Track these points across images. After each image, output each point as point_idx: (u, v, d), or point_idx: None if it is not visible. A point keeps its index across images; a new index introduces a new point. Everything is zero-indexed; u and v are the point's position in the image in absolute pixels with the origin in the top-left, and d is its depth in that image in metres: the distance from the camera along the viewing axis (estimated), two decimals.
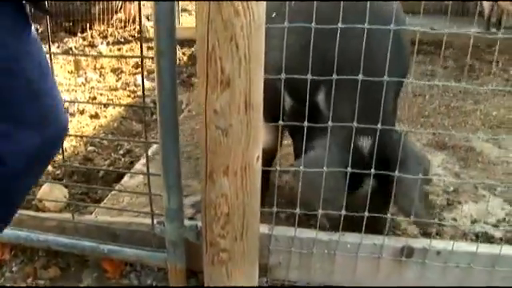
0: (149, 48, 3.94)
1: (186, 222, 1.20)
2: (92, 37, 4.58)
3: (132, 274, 1.34)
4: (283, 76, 1.06)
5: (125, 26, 4.92)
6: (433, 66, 3.97)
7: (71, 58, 3.75)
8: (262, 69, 0.97)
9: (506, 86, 3.56)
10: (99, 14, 4.86)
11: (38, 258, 1.37)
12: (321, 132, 1.21)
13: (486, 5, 5.13)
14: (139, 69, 3.43)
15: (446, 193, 1.91)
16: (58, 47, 4.19)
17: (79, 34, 4.60)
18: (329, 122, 1.12)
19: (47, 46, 1.21)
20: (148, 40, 4.14)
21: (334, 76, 1.10)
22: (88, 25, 4.69)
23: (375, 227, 1.26)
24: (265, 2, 0.92)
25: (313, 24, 1.04)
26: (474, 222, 1.71)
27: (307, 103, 1.11)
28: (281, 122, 1.14)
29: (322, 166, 1.11)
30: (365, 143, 1.19)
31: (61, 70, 3.47)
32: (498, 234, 1.64)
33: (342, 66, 1.12)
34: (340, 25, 1.04)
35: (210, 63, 0.92)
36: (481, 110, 2.92)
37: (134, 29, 4.85)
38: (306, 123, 1.10)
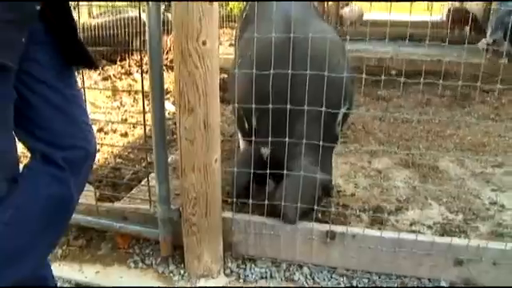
0: None
1: (172, 206, 1.69)
2: (129, 65, 5.23)
3: (136, 245, 1.84)
4: (236, 105, 1.57)
5: None
6: (430, 96, 4.36)
7: (109, 84, 4.39)
8: (217, 101, 1.47)
9: (494, 113, 3.92)
10: (138, 45, 5.53)
11: (71, 232, 1.90)
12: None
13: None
14: (168, 95, 4.01)
15: (398, 201, 2.32)
16: (100, 74, 4.85)
17: (118, 62, 5.25)
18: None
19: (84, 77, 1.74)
20: None
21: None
22: (127, 54, 5.36)
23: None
24: (217, 60, 1.42)
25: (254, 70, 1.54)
26: (412, 223, 2.12)
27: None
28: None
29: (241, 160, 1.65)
30: (264, 151, 1.68)
31: (100, 95, 4.09)
32: (429, 232, 2.05)
33: (269, 99, 1.62)
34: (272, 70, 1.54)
35: (181, 97, 1.43)
36: (458, 134, 3.31)
37: (167, 58, 5.48)
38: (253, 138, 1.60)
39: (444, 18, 9.53)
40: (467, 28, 8.16)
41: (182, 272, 1.69)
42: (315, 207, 1.68)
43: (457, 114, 3.87)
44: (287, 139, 1.58)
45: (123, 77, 4.83)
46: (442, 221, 2.14)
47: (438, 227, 2.08)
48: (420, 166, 2.74)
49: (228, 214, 1.73)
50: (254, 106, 1.59)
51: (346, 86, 1.80)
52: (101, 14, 6.05)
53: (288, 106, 1.59)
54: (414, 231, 2.03)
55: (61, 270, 1.73)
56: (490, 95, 4.38)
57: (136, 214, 1.80)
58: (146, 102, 4.20)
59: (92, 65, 1.37)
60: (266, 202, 1.66)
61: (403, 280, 1.66)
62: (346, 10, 8.20)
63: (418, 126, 3.48)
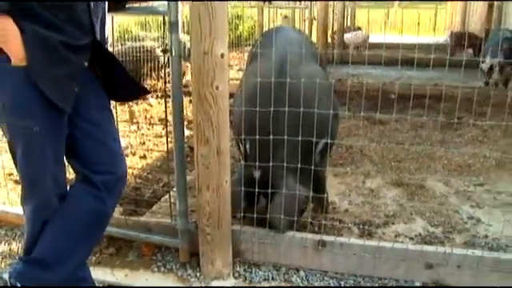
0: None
1: (190, 220, 2.02)
2: None
3: (159, 253, 2.17)
4: (237, 136, 1.92)
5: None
6: (425, 119, 4.67)
7: (126, 108, 4.77)
8: (228, 132, 1.81)
9: (483, 135, 4.22)
10: (148, 71, 5.91)
11: (103, 241, 2.23)
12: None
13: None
14: None
15: (386, 216, 2.63)
16: None
17: None
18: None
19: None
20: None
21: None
22: (140, 79, 5.71)
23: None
24: (227, 100, 1.76)
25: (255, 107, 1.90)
26: (396, 235, 2.42)
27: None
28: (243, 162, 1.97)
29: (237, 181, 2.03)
30: (255, 173, 2.06)
31: (117, 119, 4.46)
32: (410, 243, 2.35)
33: (259, 130, 1.97)
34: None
35: (199, 130, 1.77)
36: (447, 156, 3.61)
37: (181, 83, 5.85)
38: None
39: (448, 40, 9.77)
40: (469, 51, 8.48)
41: (197, 275, 2.02)
42: (309, 220, 2.00)
43: (449, 136, 4.17)
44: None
45: (139, 102, 5.19)
46: (423, 233, 2.44)
47: (419, 239, 2.38)
48: (408, 185, 3.05)
49: (237, 227, 2.05)
50: (262, 136, 1.95)
51: (327, 122, 2.10)
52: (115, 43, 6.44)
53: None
54: (397, 242, 2.34)
55: (95, 273, 2.04)
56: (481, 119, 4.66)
57: (159, 226, 2.14)
58: (161, 126, 4.53)
59: (140, 92, 1.81)
60: (267, 215, 2.00)
61: (383, 281, 1.97)
62: (348, 36, 8.58)
63: (411, 148, 3.79)
